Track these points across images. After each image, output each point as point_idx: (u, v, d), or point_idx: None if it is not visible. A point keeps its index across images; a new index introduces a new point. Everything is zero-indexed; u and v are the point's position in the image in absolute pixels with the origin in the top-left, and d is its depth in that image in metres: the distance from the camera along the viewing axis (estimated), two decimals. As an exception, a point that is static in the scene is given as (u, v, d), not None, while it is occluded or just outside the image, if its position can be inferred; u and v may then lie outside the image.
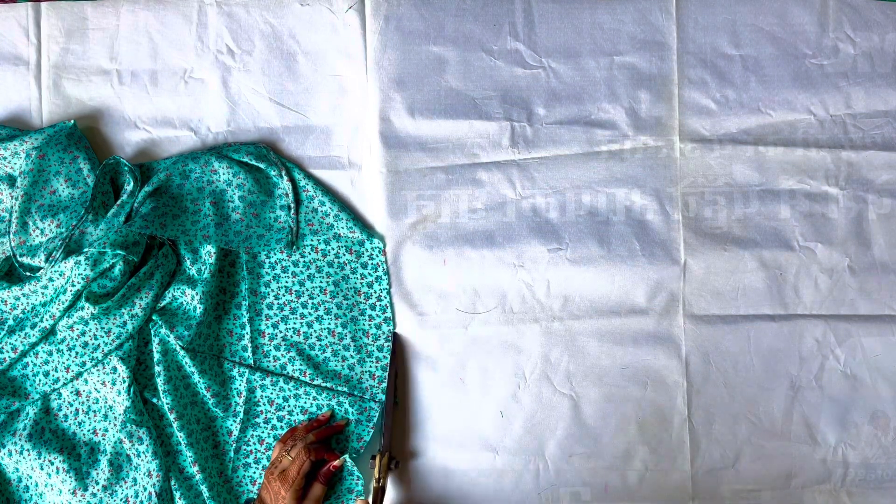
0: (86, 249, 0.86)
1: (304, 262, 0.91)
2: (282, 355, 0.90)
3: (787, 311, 0.92)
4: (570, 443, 0.91)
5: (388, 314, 0.91)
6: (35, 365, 0.88)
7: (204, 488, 0.86)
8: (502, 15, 0.94)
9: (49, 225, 0.88)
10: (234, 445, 0.89)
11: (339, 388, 0.90)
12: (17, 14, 0.95)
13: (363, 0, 0.94)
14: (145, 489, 0.85)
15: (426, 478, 0.91)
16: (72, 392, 0.88)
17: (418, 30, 0.93)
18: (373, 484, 0.82)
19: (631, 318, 0.92)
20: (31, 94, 0.95)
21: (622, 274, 0.92)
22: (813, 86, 0.94)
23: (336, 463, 0.84)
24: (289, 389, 0.89)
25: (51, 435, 0.87)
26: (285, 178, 0.92)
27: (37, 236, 0.89)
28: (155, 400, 0.88)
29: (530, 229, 0.92)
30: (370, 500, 0.81)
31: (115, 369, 0.87)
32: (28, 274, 0.89)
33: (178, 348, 0.87)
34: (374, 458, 0.85)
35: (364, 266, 0.92)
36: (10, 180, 0.91)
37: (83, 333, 0.86)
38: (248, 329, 0.91)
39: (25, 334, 0.87)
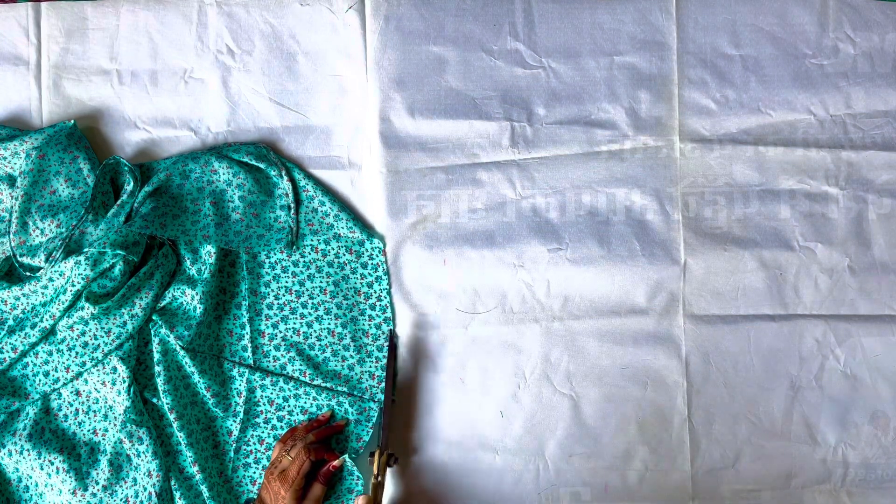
0: (86, 249, 0.86)
1: (304, 262, 0.91)
2: (282, 355, 0.90)
3: (787, 311, 0.92)
4: (570, 443, 0.91)
5: (388, 314, 0.91)
6: (35, 365, 0.88)
7: (204, 488, 0.86)
8: (502, 15, 0.94)
9: (49, 225, 0.88)
10: (234, 445, 0.89)
11: (339, 388, 0.90)
12: (17, 14, 0.95)
13: (363, 0, 0.94)
14: (145, 489, 0.85)
15: (426, 478, 0.91)
16: (72, 392, 0.88)
17: (418, 30, 0.93)
18: (371, 480, 0.82)
19: (631, 318, 0.92)
20: (31, 94, 0.95)
21: (622, 274, 0.92)
22: (813, 86, 0.94)
23: (336, 463, 0.84)
24: (289, 389, 0.89)
25: (51, 435, 0.87)
26: (285, 178, 0.92)
27: (37, 236, 0.89)
28: (155, 400, 0.88)
29: (530, 229, 0.92)
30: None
31: (115, 369, 0.87)
32: (28, 274, 0.89)
33: (178, 348, 0.87)
34: (372, 454, 0.85)
35: (364, 266, 0.92)
36: (10, 180, 0.91)
37: (83, 333, 0.86)
38: (247, 329, 0.91)
39: (25, 334, 0.87)
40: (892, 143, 0.94)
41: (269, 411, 0.89)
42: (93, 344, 0.86)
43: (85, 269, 0.85)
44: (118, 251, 0.85)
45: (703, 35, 0.94)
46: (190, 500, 0.86)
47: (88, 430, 0.88)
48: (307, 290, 0.91)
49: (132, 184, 0.90)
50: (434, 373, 0.92)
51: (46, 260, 0.87)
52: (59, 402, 0.88)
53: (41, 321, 0.87)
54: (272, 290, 0.91)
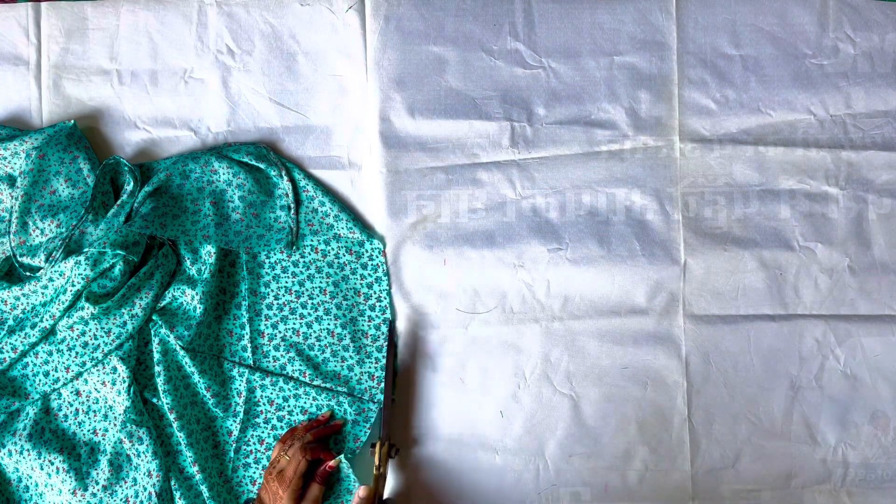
0: (86, 249, 0.86)
1: (304, 262, 0.91)
2: (281, 355, 0.90)
3: (787, 311, 0.92)
4: (570, 443, 0.91)
5: (388, 315, 0.91)
6: (35, 365, 0.88)
7: (204, 488, 0.86)
8: (502, 15, 0.94)
9: (49, 225, 0.88)
10: (234, 445, 0.89)
11: (339, 389, 0.90)
12: (17, 14, 0.95)
13: (363, 0, 0.94)
14: (145, 489, 0.85)
15: (426, 478, 0.91)
16: (72, 392, 0.88)
17: (418, 30, 0.93)
18: (373, 472, 0.82)
19: (631, 318, 0.92)
20: (31, 94, 0.95)
21: (622, 274, 0.92)
22: (813, 86, 0.94)
23: (332, 463, 0.84)
24: (289, 389, 0.89)
25: (51, 435, 0.87)
26: (285, 178, 0.92)
27: (37, 236, 0.89)
28: (155, 400, 0.88)
29: (530, 229, 0.92)
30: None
31: (115, 369, 0.87)
32: (28, 274, 0.89)
33: (178, 348, 0.87)
34: (373, 445, 0.85)
35: (364, 267, 0.92)
36: (10, 180, 0.91)
37: (83, 333, 0.86)
38: (247, 329, 0.91)
39: (25, 334, 0.87)
40: (892, 143, 0.94)
41: (269, 411, 0.89)
42: (93, 344, 0.86)
43: (85, 269, 0.85)
44: (118, 251, 0.85)
45: (703, 35, 0.94)
46: (190, 500, 0.86)
47: (88, 430, 0.88)
48: (307, 290, 0.91)
49: (132, 184, 0.90)
50: (434, 372, 0.92)
51: (46, 260, 0.87)
52: (59, 402, 0.88)
53: (41, 321, 0.87)
54: (272, 291, 0.91)
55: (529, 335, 0.92)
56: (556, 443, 0.91)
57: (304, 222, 0.92)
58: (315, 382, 0.90)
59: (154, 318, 0.88)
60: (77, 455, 0.86)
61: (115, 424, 0.87)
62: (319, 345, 0.91)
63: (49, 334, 0.87)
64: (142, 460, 0.86)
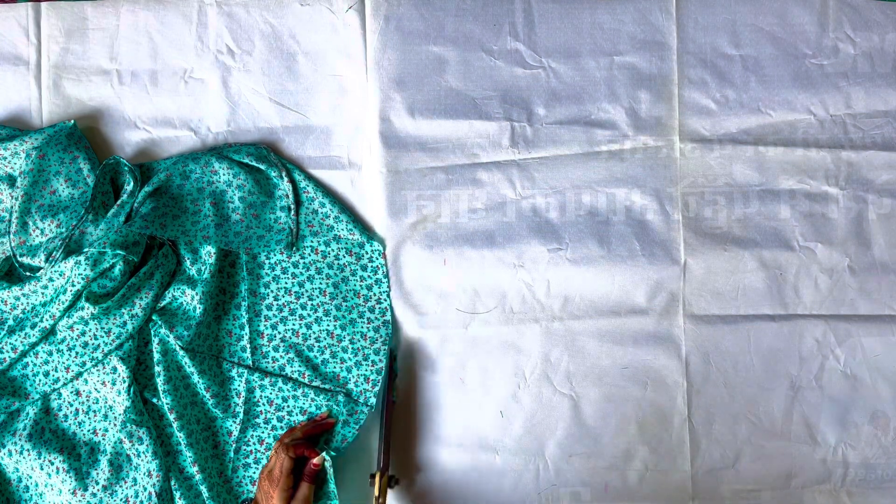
0: (86, 249, 0.86)
1: (304, 263, 0.91)
2: (280, 356, 0.90)
3: (787, 311, 0.92)
4: (570, 443, 0.91)
5: (387, 317, 0.91)
6: (35, 365, 0.88)
7: (204, 488, 0.86)
8: (502, 15, 0.94)
9: (49, 225, 0.88)
10: (233, 446, 0.89)
11: (337, 390, 0.90)
12: (17, 14, 0.95)
13: (363, 0, 0.94)
14: (145, 489, 0.85)
15: (425, 478, 0.91)
16: (72, 392, 0.88)
17: (418, 30, 0.93)
18: (373, 502, 0.82)
19: (631, 318, 0.92)
20: (31, 94, 0.95)
21: (622, 274, 0.92)
22: (813, 86, 0.94)
23: (316, 461, 0.83)
24: (288, 390, 0.89)
25: (51, 435, 0.87)
26: (285, 179, 0.92)
27: (37, 236, 0.89)
28: (155, 400, 0.88)
29: (530, 229, 0.92)
30: None
31: (115, 369, 0.87)
32: (28, 274, 0.89)
33: (177, 348, 0.87)
34: (373, 476, 0.85)
35: (364, 269, 0.92)
36: (10, 180, 0.91)
37: (83, 333, 0.86)
38: (247, 330, 0.91)
39: (25, 334, 0.87)
40: (892, 143, 0.94)
41: (269, 411, 0.89)
42: (93, 344, 0.86)
43: (85, 269, 0.85)
44: (118, 251, 0.85)
45: (703, 35, 0.94)
46: (190, 500, 0.86)
47: (88, 430, 0.88)
48: (306, 291, 0.91)
49: (132, 184, 0.90)
50: (434, 373, 0.92)
51: (46, 260, 0.87)
52: (59, 402, 0.88)
53: (41, 321, 0.87)
54: (272, 292, 0.91)
55: (529, 335, 0.92)
56: (556, 443, 0.91)
57: (304, 223, 0.92)
58: (314, 383, 0.90)
59: (154, 318, 0.88)
60: (77, 455, 0.86)
61: (115, 424, 0.87)
62: (319, 346, 0.91)
63: (49, 334, 0.87)
64: (142, 460, 0.86)
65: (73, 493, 0.85)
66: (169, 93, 0.95)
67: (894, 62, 0.94)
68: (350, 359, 0.90)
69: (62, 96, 0.95)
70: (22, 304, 0.88)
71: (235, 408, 0.89)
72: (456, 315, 0.92)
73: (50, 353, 0.87)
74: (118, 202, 0.89)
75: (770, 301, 0.92)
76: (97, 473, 0.86)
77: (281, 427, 0.89)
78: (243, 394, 0.89)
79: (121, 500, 0.86)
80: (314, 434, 0.87)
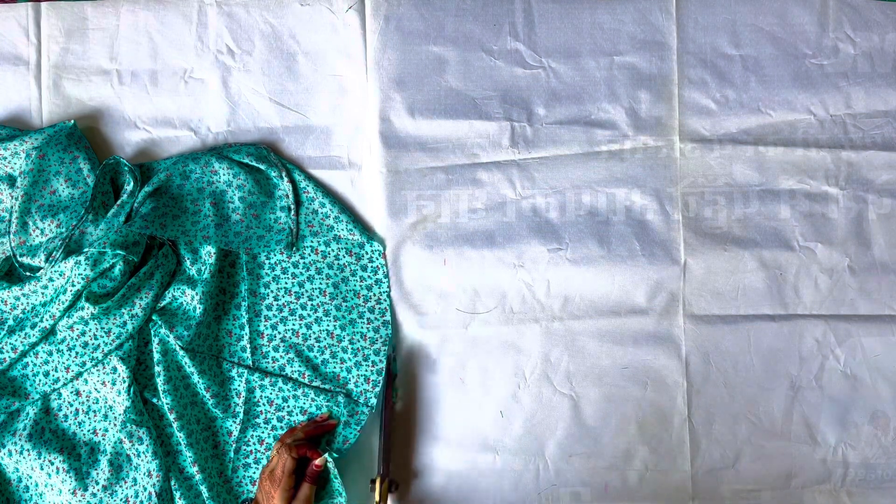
0: (86, 249, 0.86)
1: (304, 263, 0.91)
2: (280, 357, 0.90)
3: (787, 311, 0.92)
4: (570, 443, 0.91)
5: (387, 318, 0.91)
6: (35, 365, 0.88)
7: (204, 488, 0.86)
8: (502, 15, 0.94)
9: (49, 225, 0.88)
10: (233, 446, 0.89)
11: (337, 390, 0.90)
12: (17, 14, 0.95)
13: (363, 0, 0.94)
14: (145, 489, 0.85)
15: (425, 478, 0.91)
16: (72, 392, 0.88)
17: (418, 30, 0.93)
18: None
19: (631, 318, 0.92)
20: (31, 94, 0.95)
21: (622, 274, 0.92)
22: (813, 86, 0.94)
23: (318, 462, 0.83)
24: (288, 390, 0.89)
25: (51, 435, 0.87)
26: (286, 179, 0.92)
27: (37, 236, 0.89)
28: (155, 400, 0.88)
29: (530, 229, 0.92)
30: None
31: (115, 369, 0.87)
32: (28, 274, 0.89)
33: (177, 348, 0.87)
34: (373, 481, 0.85)
35: (364, 269, 0.92)
36: (10, 180, 0.91)
37: (83, 333, 0.86)
38: (247, 330, 0.91)
39: (25, 334, 0.87)
40: (892, 143, 0.94)
41: (269, 412, 0.89)
42: (93, 344, 0.86)
43: (85, 269, 0.85)
44: (118, 251, 0.85)
45: (703, 35, 0.94)
46: (190, 500, 0.86)
47: (88, 430, 0.88)
48: (306, 291, 0.91)
49: (132, 184, 0.90)
50: (434, 373, 0.92)
51: (46, 260, 0.87)
52: (59, 402, 0.88)
53: (41, 321, 0.87)
54: (272, 292, 0.91)
55: (529, 335, 0.92)
56: (556, 443, 0.91)
57: (304, 223, 0.92)
58: (314, 384, 0.90)
59: (154, 318, 0.88)
60: (77, 455, 0.86)
61: (115, 424, 0.87)
62: (319, 346, 0.91)
63: (49, 334, 0.87)
64: (142, 460, 0.86)
65: (73, 493, 0.85)
66: (169, 93, 0.95)
67: (894, 62, 0.94)
68: (350, 359, 0.90)
69: (62, 96, 0.95)
70: (22, 304, 0.88)
71: (235, 408, 0.89)
72: (456, 315, 0.92)
73: (50, 353, 0.87)
74: (118, 202, 0.89)
75: (770, 301, 0.92)
76: (97, 473, 0.86)
77: (281, 427, 0.89)
78: (243, 394, 0.89)
79: (121, 500, 0.86)
80: (315, 435, 0.87)
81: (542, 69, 0.94)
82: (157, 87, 0.95)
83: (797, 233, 0.93)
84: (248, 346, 0.90)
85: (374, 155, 0.93)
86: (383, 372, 0.89)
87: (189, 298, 0.88)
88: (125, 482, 0.86)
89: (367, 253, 0.92)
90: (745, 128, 0.94)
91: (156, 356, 0.87)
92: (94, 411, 0.88)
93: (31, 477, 0.87)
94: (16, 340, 0.87)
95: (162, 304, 0.89)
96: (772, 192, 0.93)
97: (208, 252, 0.89)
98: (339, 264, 0.92)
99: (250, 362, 0.90)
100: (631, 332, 0.92)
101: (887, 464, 0.91)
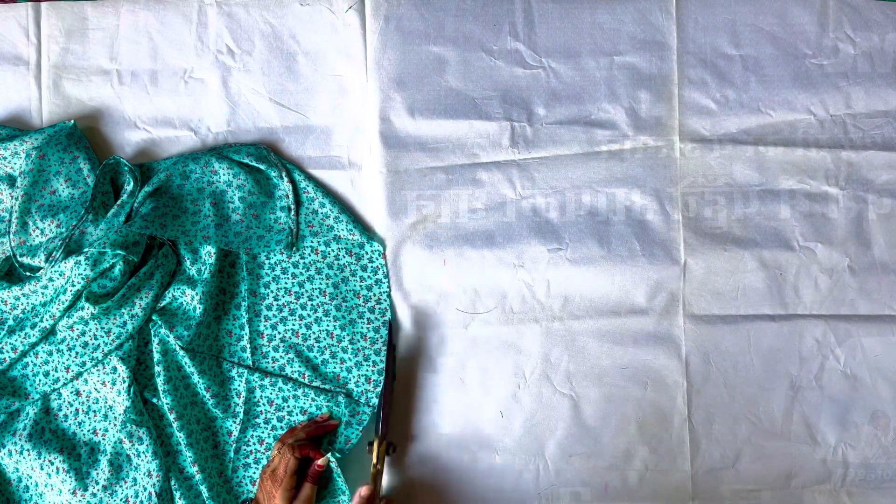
0: (86, 249, 0.86)
1: (304, 263, 0.91)
2: (280, 357, 0.90)
3: (787, 311, 0.92)
4: (570, 443, 0.91)
5: (387, 318, 0.91)
6: (35, 365, 0.88)
7: (204, 488, 0.86)
8: (502, 15, 0.94)
9: (49, 225, 0.88)
10: (233, 446, 0.89)
11: (338, 391, 0.90)
12: (17, 14, 0.95)
13: (363, 0, 0.94)
14: (145, 489, 0.85)
15: (425, 478, 0.91)
16: (72, 392, 0.88)
17: (418, 30, 0.93)
18: (371, 469, 0.82)
19: (631, 318, 0.92)
20: (31, 94, 0.95)
21: (622, 274, 0.92)
22: (813, 86, 0.94)
23: (320, 462, 0.83)
24: (288, 390, 0.89)
25: (51, 435, 0.87)
26: (286, 179, 0.92)
27: (37, 236, 0.89)
28: (155, 400, 0.88)
29: (530, 229, 0.92)
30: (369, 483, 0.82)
31: (115, 369, 0.87)
32: (28, 274, 0.89)
33: (177, 348, 0.87)
34: (371, 443, 0.85)
35: (364, 269, 0.92)
36: (10, 180, 0.91)
37: (83, 333, 0.86)
38: (247, 330, 0.91)
39: (25, 334, 0.87)
40: (892, 143, 0.94)
41: (269, 412, 0.89)
42: (93, 344, 0.86)
43: (85, 269, 0.85)
44: (118, 251, 0.85)
45: (703, 35, 0.94)
46: (190, 500, 0.86)
47: (88, 430, 0.88)
48: (306, 291, 0.91)
49: (132, 184, 0.90)
50: (434, 373, 0.92)
51: (46, 260, 0.87)
52: (59, 402, 0.88)
53: (41, 321, 0.87)
54: (271, 292, 0.91)
55: (529, 335, 0.92)
56: (556, 443, 0.91)
57: (304, 224, 0.92)
58: (314, 384, 0.90)
59: (154, 318, 0.88)
60: (77, 455, 0.86)
61: (115, 424, 0.87)
62: (318, 346, 0.91)
63: (49, 334, 0.87)
64: (142, 460, 0.86)
65: (73, 493, 0.85)
66: (169, 93, 0.95)
67: (894, 62, 0.94)
68: (350, 359, 0.90)
69: (62, 96, 0.95)
70: (22, 304, 0.88)
71: (235, 408, 0.89)
72: (456, 315, 0.92)
73: (50, 353, 0.87)
74: (118, 202, 0.89)
75: (770, 301, 0.92)
76: (97, 473, 0.86)
77: (281, 427, 0.89)
78: (243, 394, 0.89)
79: (121, 500, 0.86)
80: (316, 435, 0.87)
81: (542, 69, 0.94)
82: (157, 87, 0.95)
83: (797, 233, 0.93)
84: (248, 346, 0.90)
85: (374, 155, 0.93)
86: (384, 372, 0.89)
87: (189, 298, 0.88)
88: (125, 482, 0.86)
89: (367, 253, 0.92)
90: (745, 128, 0.94)
91: (156, 356, 0.87)
92: (94, 411, 0.88)
93: (31, 477, 0.87)
94: (16, 340, 0.87)
95: (162, 304, 0.89)
96: (772, 192, 0.93)
97: (208, 252, 0.89)
98: (339, 264, 0.92)
99: (250, 362, 0.90)
100: (631, 332, 0.92)
101: (887, 464, 0.91)
